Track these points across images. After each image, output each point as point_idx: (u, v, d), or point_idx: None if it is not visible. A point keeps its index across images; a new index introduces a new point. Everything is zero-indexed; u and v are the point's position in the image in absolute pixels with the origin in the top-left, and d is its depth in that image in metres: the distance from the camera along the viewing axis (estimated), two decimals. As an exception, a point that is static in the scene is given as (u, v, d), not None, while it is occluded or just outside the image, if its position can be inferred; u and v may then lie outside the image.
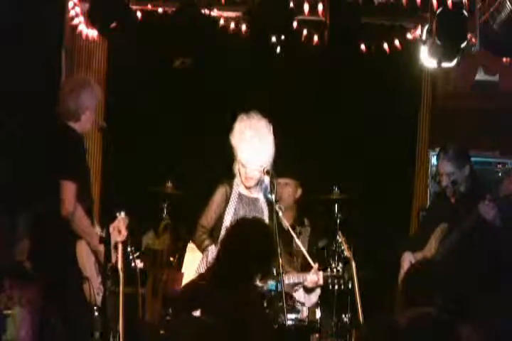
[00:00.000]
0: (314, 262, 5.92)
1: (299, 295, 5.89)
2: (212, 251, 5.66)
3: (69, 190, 4.94)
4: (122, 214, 5.39)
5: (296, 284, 5.83)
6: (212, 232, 5.84)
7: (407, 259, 5.91)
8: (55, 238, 4.96)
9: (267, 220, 5.74)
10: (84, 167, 5.21)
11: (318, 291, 5.93)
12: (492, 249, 5.72)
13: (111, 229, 5.25)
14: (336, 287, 5.90)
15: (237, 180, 5.88)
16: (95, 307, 4.99)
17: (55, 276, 4.94)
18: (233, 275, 4.35)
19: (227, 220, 5.77)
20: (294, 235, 6.16)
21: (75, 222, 4.96)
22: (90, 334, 5.06)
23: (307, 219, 6.90)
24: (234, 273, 4.36)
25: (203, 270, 5.67)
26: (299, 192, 6.83)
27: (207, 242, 5.77)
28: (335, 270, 5.92)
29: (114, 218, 5.31)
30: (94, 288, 4.95)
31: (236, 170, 5.88)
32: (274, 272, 5.32)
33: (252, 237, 4.42)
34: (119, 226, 5.31)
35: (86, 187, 5.16)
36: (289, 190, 6.72)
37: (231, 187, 5.86)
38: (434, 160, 7.36)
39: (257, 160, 5.74)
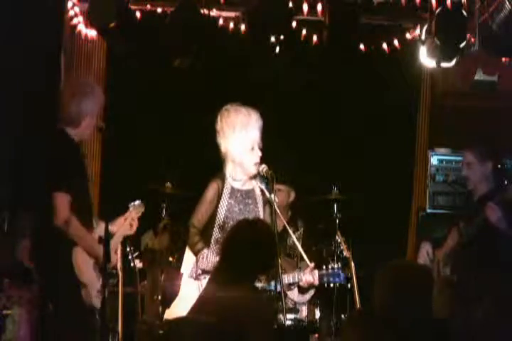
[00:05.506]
0: (311, 261, 5.84)
1: (292, 293, 5.83)
2: (205, 255, 5.44)
3: (61, 201, 4.79)
4: (137, 202, 5.30)
5: (291, 284, 5.75)
6: (205, 231, 5.52)
7: (424, 249, 5.91)
8: (51, 244, 4.87)
9: (261, 212, 5.58)
10: (81, 175, 5.02)
11: (312, 290, 5.86)
12: (498, 251, 5.71)
13: (121, 220, 5.16)
14: (332, 285, 5.82)
15: (230, 174, 5.56)
16: (96, 311, 4.94)
17: (52, 282, 4.88)
18: (236, 276, 4.35)
19: (220, 217, 5.49)
20: (291, 232, 6.12)
21: (70, 232, 4.83)
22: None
23: (302, 222, 6.85)
24: (236, 274, 4.35)
25: (195, 275, 5.57)
26: (292, 196, 6.75)
27: (200, 246, 5.45)
28: (330, 268, 5.81)
29: (116, 216, 5.23)
30: (93, 292, 4.90)
31: (228, 170, 5.56)
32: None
33: (255, 238, 4.39)
34: (132, 218, 5.21)
35: (84, 194, 4.99)
36: (281, 195, 6.60)
37: (223, 181, 5.53)
38: (433, 160, 7.37)
39: (254, 158, 5.47)
